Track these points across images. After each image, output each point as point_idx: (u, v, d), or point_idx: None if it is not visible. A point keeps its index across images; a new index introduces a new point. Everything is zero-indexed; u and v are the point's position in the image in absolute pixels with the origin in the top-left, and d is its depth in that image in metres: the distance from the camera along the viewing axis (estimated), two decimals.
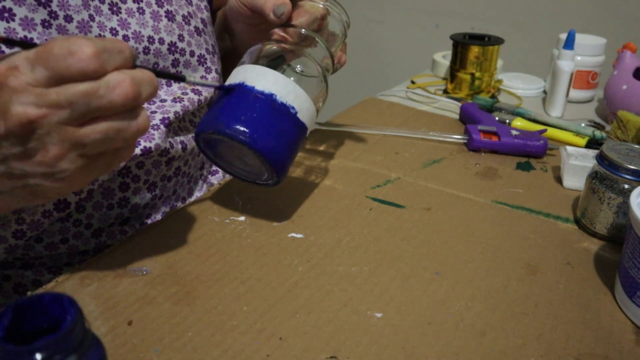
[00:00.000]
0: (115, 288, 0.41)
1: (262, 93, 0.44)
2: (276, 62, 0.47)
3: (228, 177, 0.65)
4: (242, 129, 0.42)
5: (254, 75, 0.44)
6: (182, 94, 0.56)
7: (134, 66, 0.34)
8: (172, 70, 0.55)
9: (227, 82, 0.46)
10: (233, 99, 0.44)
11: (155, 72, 0.36)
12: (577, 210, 0.54)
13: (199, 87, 0.57)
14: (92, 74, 0.32)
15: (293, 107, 0.45)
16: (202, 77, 0.58)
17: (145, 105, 0.53)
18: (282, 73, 0.45)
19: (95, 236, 0.52)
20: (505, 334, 0.39)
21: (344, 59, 0.54)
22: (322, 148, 0.67)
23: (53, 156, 0.32)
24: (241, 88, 0.44)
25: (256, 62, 0.46)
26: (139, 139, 0.50)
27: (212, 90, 0.59)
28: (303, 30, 0.49)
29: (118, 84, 0.32)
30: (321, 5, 0.51)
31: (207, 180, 0.65)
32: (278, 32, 0.49)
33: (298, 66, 0.47)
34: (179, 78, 0.41)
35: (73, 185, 0.35)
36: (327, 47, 0.50)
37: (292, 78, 0.45)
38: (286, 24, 0.50)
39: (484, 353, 0.37)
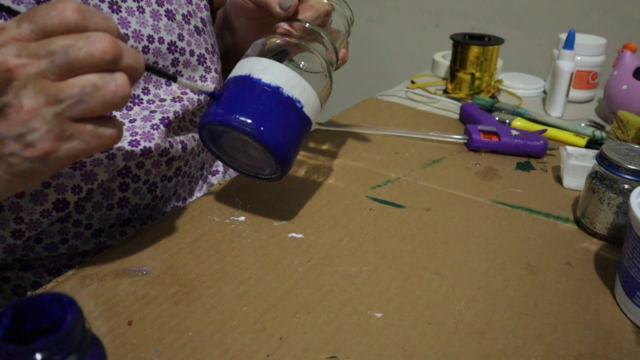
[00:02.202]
0: (115, 288, 0.41)
1: (268, 85, 0.43)
2: (280, 56, 0.47)
3: (228, 177, 0.65)
4: (248, 120, 0.42)
5: (260, 68, 0.44)
6: (182, 93, 0.56)
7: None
8: (172, 70, 0.55)
9: (232, 75, 0.45)
10: (239, 91, 0.43)
11: (146, 66, 0.36)
12: (577, 210, 0.54)
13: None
14: (73, 26, 0.32)
15: (299, 101, 0.45)
16: (201, 76, 0.58)
17: (145, 104, 0.53)
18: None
19: (95, 237, 0.52)
20: (505, 334, 0.39)
21: (346, 56, 0.55)
22: (322, 148, 0.67)
23: (27, 110, 0.31)
24: (247, 80, 0.44)
25: (261, 55, 0.46)
26: (138, 139, 0.50)
27: (212, 88, 0.59)
28: (308, 24, 0.49)
29: (99, 39, 0.32)
30: (326, 1, 0.51)
31: (208, 180, 0.65)
32: (283, 26, 0.49)
33: (302, 62, 0.47)
34: (171, 78, 0.41)
35: (47, 158, 0.33)
36: (332, 42, 0.50)
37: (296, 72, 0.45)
38: (291, 18, 0.50)
39: (484, 353, 0.37)
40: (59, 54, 0.31)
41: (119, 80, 0.33)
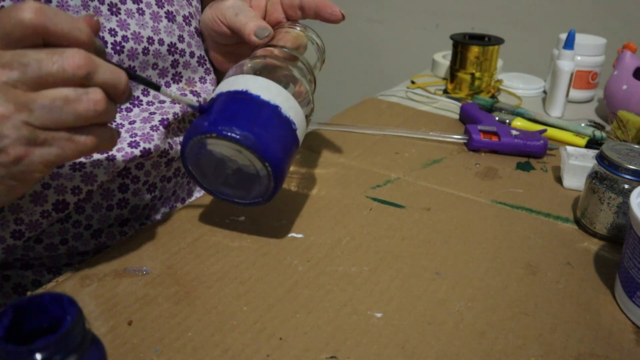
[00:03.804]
0: (115, 288, 0.41)
1: (267, 103, 0.41)
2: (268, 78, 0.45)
3: None
4: (251, 134, 0.40)
5: (257, 85, 0.42)
6: (181, 95, 0.56)
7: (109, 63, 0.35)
8: (172, 72, 0.55)
9: (223, 90, 0.43)
10: (237, 104, 0.41)
11: (128, 73, 0.36)
12: (577, 210, 0.54)
13: (198, 89, 0.57)
14: (31, 27, 0.31)
15: (294, 123, 0.43)
16: (201, 78, 0.58)
17: (145, 106, 0.53)
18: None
19: (95, 237, 0.52)
20: (505, 334, 0.39)
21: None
22: (322, 148, 0.67)
23: None
24: (245, 95, 0.42)
25: (250, 74, 0.44)
26: (138, 141, 0.50)
27: (211, 91, 0.59)
28: (287, 49, 0.48)
29: (72, 54, 0.32)
30: (299, 31, 0.51)
31: None
32: (264, 49, 0.48)
33: (290, 84, 0.45)
34: (154, 87, 0.39)
35: (20, 163, 0.33)
36: (311, 67, 0.49)
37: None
38: (267, 45, 0.48)
39: (484, 353, 0.37)
40: (31, 66, 0.32)
41: (92, 95, 0.33)
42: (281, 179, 0.43)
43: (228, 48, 0.57)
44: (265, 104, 0.41)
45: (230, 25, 0.51)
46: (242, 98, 0.42)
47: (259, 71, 0.44)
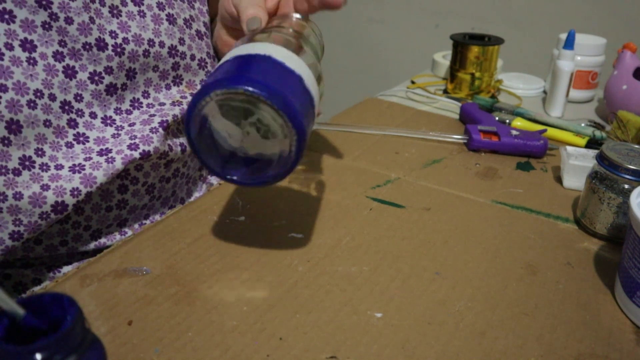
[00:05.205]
0: (115, 288, 0.41)
1: (292, 72, 0.37)
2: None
3: None
4: (285, 97, 0.34)
5: (281, 55, 0.38)
6: (181, 97, 0.56)
7: None
8: (172, 74, 0.55)
9: (243, 52, 0.38)
10: (260, 64, 0.36)
11: None
12: (577, 210, 0.54)
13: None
14: None
15: (314, 99, 0.39)
16: (201, 81, 0.58)
17: (145, 108, 0.53)
18: None
19: (94, 238, 0.52)
20: (505, 334, 0.39)
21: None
22: (322, 148, 0.67)
23: None
24: (268, 60, 0.37)
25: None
26: (137, 143, 0.50)
27: None
28: (297, 16, 0.46)
29: None
30: (302, 21, 0.49)
31: (207, 180, 0.65)
32: (278, 19, 0.46)
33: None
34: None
35: None
36: (320, 36, 0.47)
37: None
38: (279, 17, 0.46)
39: (484, 353, 0.37)
40: None
41: None
42: (304, 147, 0.37)
43: (237, 33, 0.55)
44: (290, 72, 0.37)
45: (235, 5, 0.50)
46: (265, 61, 0.37)
47: (278, 42, 0.41)
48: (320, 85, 0.42)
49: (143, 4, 0.52)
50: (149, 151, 0.50)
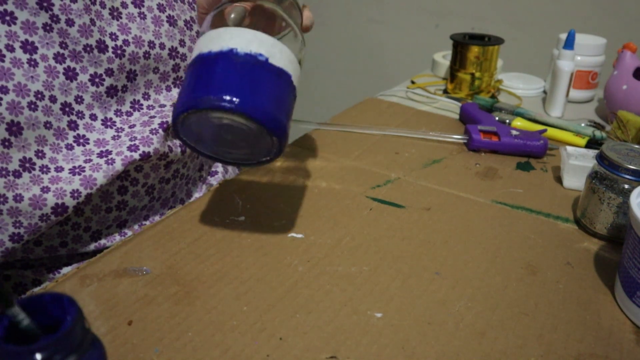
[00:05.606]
0: (115, 288, 0.41)
1: (256, 60, 0.38)
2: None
3: (228, 177, 0.65)
4: (225, 96, 0.36)
5: (246, 39, 0.38)
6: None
7: None
8: (173, 76, 0.55)
9: (202, 51, 0.39)
10: (224, 71, 0.38)
11: None
12: (577, 210, 0.54)
13: None
14: None
15: (286, 72, 0.39)
16: None
17: (145, 110, 0.53)
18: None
19: (94, 239, 0.52)
20: (505, 334, 0.39)
21: (311, 17, 0.49)
22: (322, 148, 0.67)
23: None
24: (232, 56, 0.38)
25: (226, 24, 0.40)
26: (137, 144, 0.50)
27: None
28: None
29: None
30: None
31: (206, 181, 0.65)
32: None
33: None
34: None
35: None
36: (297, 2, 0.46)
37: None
38: None
39: (484, 353, 0.37)
40: None
41: None
42: (283, 135, 0.39)
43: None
44: (254, 63, 0.38)
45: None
46: (229, 59, 0.38)
47: (239, 17, 0.41)
48: (298, 47, 0.42)
49: (143, 6, 0.52)
50: (149, 152, 0.50)
